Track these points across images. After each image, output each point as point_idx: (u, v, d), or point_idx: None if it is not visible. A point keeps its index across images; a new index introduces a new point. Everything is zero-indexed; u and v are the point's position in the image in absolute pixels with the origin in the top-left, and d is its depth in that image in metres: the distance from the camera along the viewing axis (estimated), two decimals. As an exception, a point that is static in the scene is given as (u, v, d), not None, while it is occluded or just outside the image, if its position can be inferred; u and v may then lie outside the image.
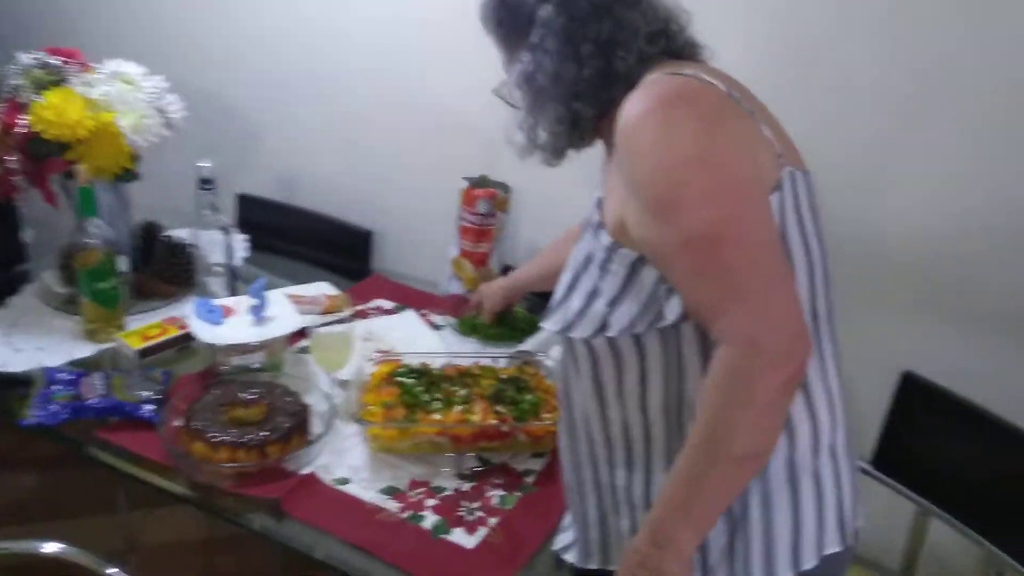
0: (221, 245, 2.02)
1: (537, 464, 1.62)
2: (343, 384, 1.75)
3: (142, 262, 2.14)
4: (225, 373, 1.78)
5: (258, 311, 1.80)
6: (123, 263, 2.01)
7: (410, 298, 2.18)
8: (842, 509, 1.18)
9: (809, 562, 1.15)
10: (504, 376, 1.71)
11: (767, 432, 1.07)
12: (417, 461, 1.60)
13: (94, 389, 1.69)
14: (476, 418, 1.59)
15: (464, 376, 1.71)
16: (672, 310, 1.12)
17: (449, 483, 1.56)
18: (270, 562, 2.38)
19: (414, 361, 1.76)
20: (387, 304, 2.16)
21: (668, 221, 1.06)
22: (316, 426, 1.65)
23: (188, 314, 1.82)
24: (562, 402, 1.32)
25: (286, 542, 1.44)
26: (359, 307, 2.12)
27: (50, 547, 1.61)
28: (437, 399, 1.63)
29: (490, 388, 1.67)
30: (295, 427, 1.59)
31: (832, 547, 1.17)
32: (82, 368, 1.80)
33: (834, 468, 1.18)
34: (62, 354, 1.85)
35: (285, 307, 1.86)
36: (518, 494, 1.55)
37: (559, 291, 1.25)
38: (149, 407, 1.66)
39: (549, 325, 1.25)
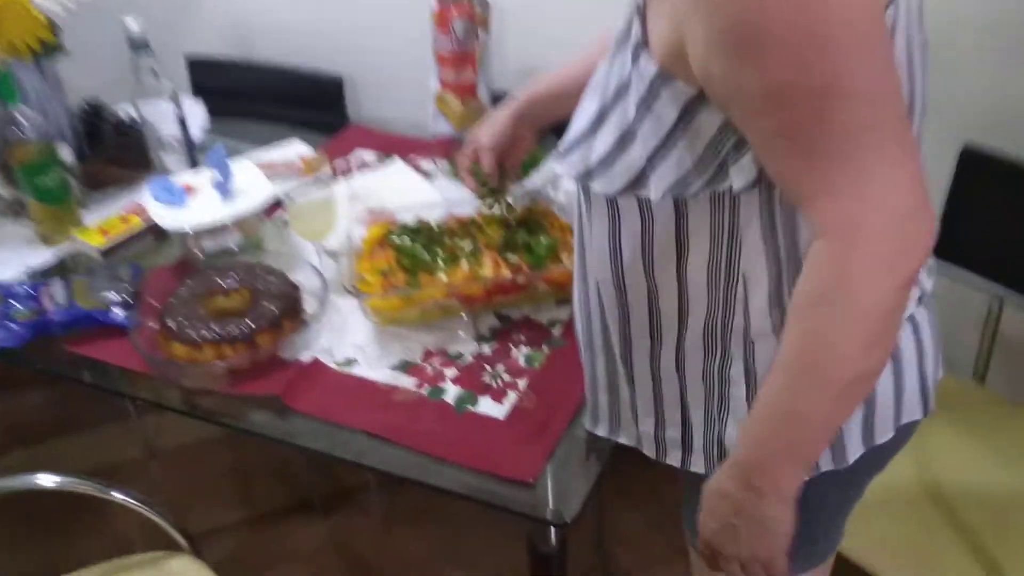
0: (171, 115, 1.77)
1: (563, 313, 1.43)
2: (333, 254, 1.54)
3: (89, 148, 1.90)
4: (200, 261, 1.58)
5: (223, 185, 1.57)
6: (66, 152, 1.77)
7: (394, 146, 1.95)
8: (923, 368, 1.01)
9: (884, 436, 1.00)
10: (512, 221, 1.50)
11: (882, 346, 0.84)
12: (428, 329, 1.42)
13: (54, 300, 1.49)
14: (487, 272, 1.39)
15: (467, 227, 1.50)
16: (741, 174, 0.87)
17: (467, 348, 1.38)
18: (295, 452, 2.25)
19: (408, 218, 1.55)
20: (369, 156, 1.92)
21: (750, 61, 0.76)
22: (310, 305, 1.46)
23: (145, 199, 1.59)
24: (576, 250, 1.11)
25: (293, 440, 1.28)
26: (339, 164, 1.89)
27: (46, 480, 1.47)
28: (440, 257, 1.43)
29: (498, 236, 1.46)
30: (285, 310, 1.40)
31: (912, 415, 1.00)
32: (44, 279, 1.60)
33: (914, 328, 1.00)
34: (16, 265, 1.65)
35: (253, 176, 1.64)
36: (546, 350, 1.37)
37: (578, 122, 1.00)
38: (119, 311, 1.47)
39: (563, 168, 1.01)
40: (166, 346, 1.38)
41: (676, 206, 0.92)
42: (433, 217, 1.55)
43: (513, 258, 1.41)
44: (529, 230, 1.47)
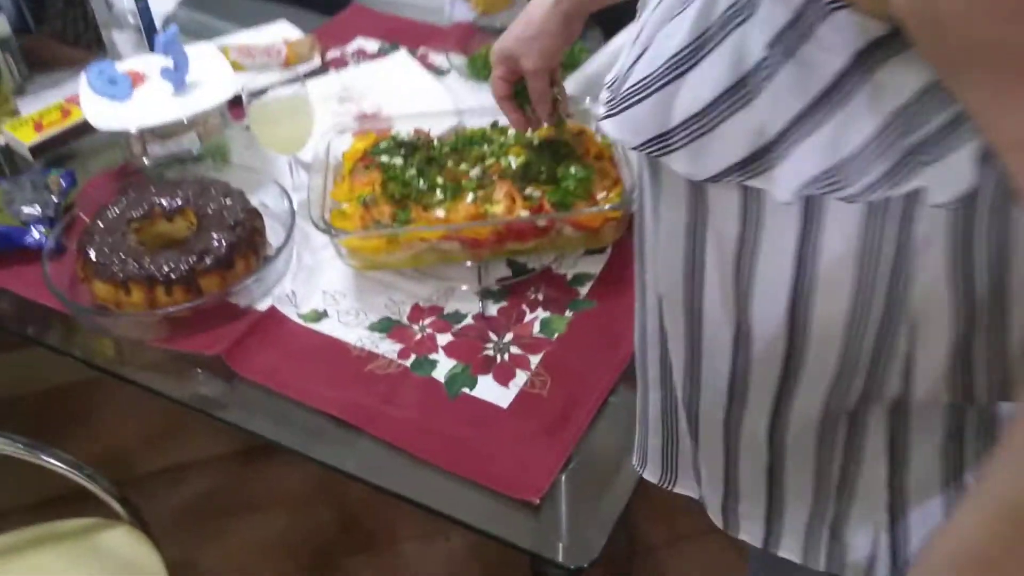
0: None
1: (594, 265, 1.12)
2: (308, 169, 1.23)
3: (34, 20, 1.57)
4: (146, 169, 1.27)
5: (176, 75, 1.25)
6: (1, 23, 1.45)
7: (402, 33, 1.59)
8: None
9: None
10: (536, 140, 1.17)
11: None
12: (421, 277, 1.11)
13: (-40, 210, 1.20)
14: (498, 209, 1.07)
15: (476, 145, 1.17)
16: (949, 178, 0.55)
17: (468, 305, 1.08)
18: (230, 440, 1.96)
19: (403, 128, 1.22)
20: (370, 45, 1.57)
21: None
22: (275, 237, 1.16)
23: (81, 88, 1.27)
24: (635, 245, 0.79)
25: (225, 416, 1.00)
26: (332, 53, 1.55)
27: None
28: (438, 186, 1.10)
29: (516, 160, 1.13)
30: (239, 244, 1.09)
31: None
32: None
33: None
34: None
35: (217, 65, 1.31)
36: (569, 314, 1.06)
37: (652, 53, 0.63)
38: (38, 228, 1.18)
39: (614, 128, 0.66)
40: (86, 282, 1.08)
41: (806, 207, 0.59)
42: (437, 130, 1.22)
43: (533, 192, 1.09)
44: (557, 155, 1.14)
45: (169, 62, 1.24)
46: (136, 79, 1.28)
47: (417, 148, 1.16)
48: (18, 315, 1.13)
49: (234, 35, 1.56)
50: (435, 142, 1.18)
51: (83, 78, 1.27)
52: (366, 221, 1.07)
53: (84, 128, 1.37)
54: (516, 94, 1.07)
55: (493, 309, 1.07)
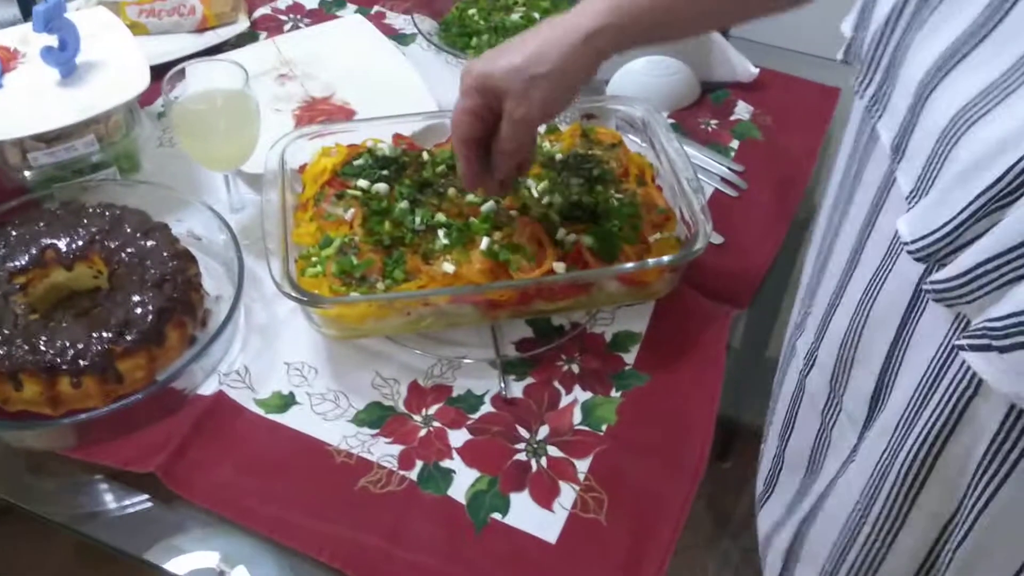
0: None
1: (636, 320, 0.88)
2: (251, 183, 0.94)
3: None
4: (27, 185, 0.95)
5: (64, 56, 0.92)
6: None
7: (346, -16, 1.28)
8: None
9: None
10: (557, 151, 0.90)
11: None
12: (416, 340, 0.85)
13: None
14: (523, 261, 0.81)
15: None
16: None
17: (483, 382, 0.82)
18: None
19: (376, 132, 0.93)
20: (311, 2, 1.26)
21: None
22: (213, 285, 0.87)
23: (-71, 72, 0.93)
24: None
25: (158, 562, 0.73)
26: (261, 10, 1.23)
27: None
28: (440, 224, 0.83)
29: (538, 187, 0.87)
30: (170, 307, 0.80)
31: None
32: None
33: None
34: None
35: (115, 37, 0.98)
36: (616, 395, 0.82)
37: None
38: None
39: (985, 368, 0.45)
40: (-45, 368, 0.78)
41: None
42: (409, 127, 0.94)
43: (567, 235, 0.83)
44: (586, 175, 0.88)
45: (52, 39, 0.91)
46: (4, 60, 0.94)
47: (403, 166, 0.88)
48: None
49: (128, -15, 1.21)
50: (425, 157, 0.90)
51: (-70, 59, 0.93)
52: (347, 279, 0.80)
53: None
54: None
55: (517, 388, 0.82)
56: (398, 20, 1.21)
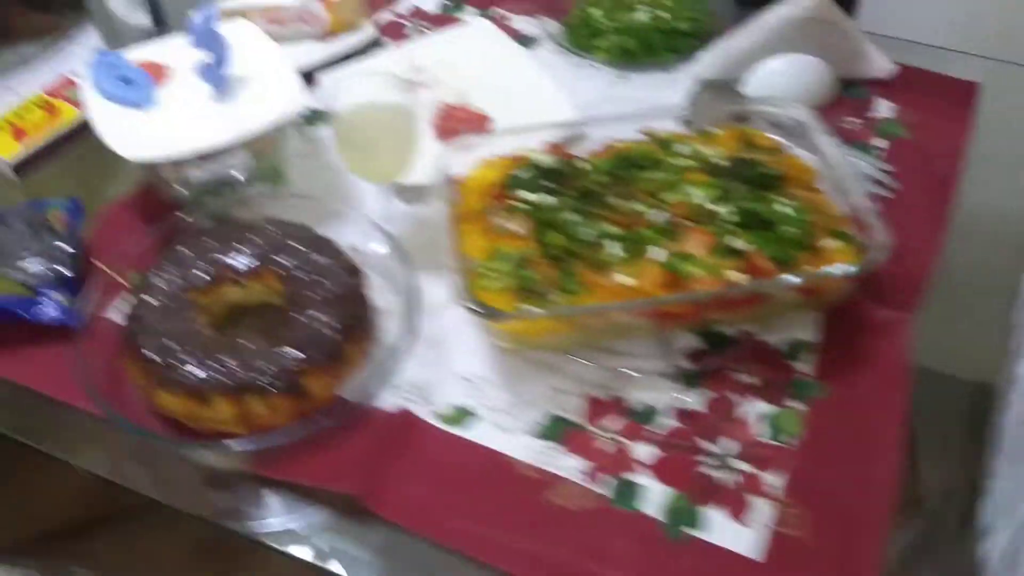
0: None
1: (805, 328, 0.87)
2: (409, 195, 0.94)
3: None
4: (180, 203, 0.95)
5: (218, 71, 0.92)
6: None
7: (463, -14, 1.27)
8: None
9: None
10: (718, 156, 0.89)
11: None
12: (585, 354, 0.84)
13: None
14: (699, 271, 0.80)
15: (642, 169, 0.89)
16: None
17: (657, 395, 0.82)
18: None
19: (535, 142, 0.93)
20: (429, 5, 1.25)
21: None
22: (380, 298, 0.87)
23: (83, 87, 0.94)
24: None
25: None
26: (383, 15, 1.22)
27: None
28: (609, 235, 0.83)
29: (703, 194, 0.86)
30: (351, 324, 0.80)
31: None
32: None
33: None
34: None
35: (261, 50, 0.98)
36: (796, 405, 0.81)
37: None
38: (51, 295, 0.86)
39: None
40: (143, 386, 0.78)
41: None
42: (547, 137, 0.94)
43: (738, 242, 0.82)
44: (752, 181, 0.87)
45: (204, 54, 0.91)
46: (155, 74, 0.95)
47: (565, 176, 0.88)
48: (34, 424, 0.83)
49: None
50: (586, 167, 0.89)
51: (85, 74, 0.93)
52: (524, 292, 0.79)
53: (79, 130, 1.04)
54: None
55: (693, 400, 0.81)
56: (520, 22, 1.20)
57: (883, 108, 1.08)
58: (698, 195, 0.85)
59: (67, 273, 0.88)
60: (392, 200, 0.94)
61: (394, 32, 1.19)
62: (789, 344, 0.85)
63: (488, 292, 0.80)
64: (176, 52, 0.97)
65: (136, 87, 0.92)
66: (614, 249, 0.81)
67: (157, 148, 0.87)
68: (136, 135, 0.89)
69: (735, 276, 0.80)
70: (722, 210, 0.84)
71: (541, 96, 1.06)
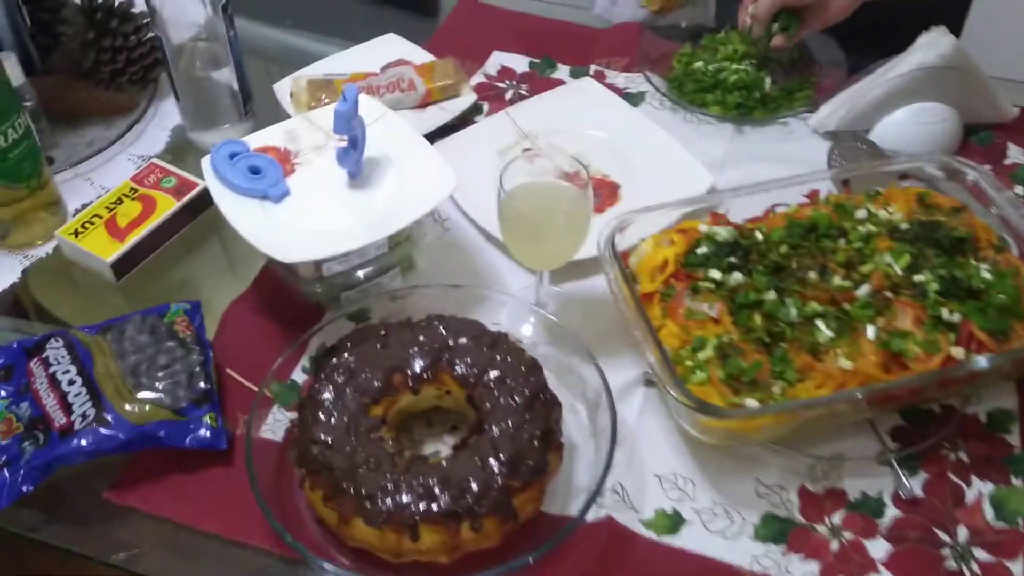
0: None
1: (1004, 394, 0.82)
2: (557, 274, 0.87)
3: (40, 52, 1.10)
4: (309, 294, 0.87)
5: (352, 153, 0.85)
6: (12, 69, 0.98)
7: (543, 40, 1.21)
8: None
9: None
10: (899, 220, 0.85)
11: None
12: (788, 442, 0.78)
13: (58, 390, 0.77)
14: (916, 348, 0.75)
15: (821, 234, 0.84)
16: None
17: (872, 481, 0.77)
18: None
19: (698, 207, 0.87)
20: (516, 61, 1.19)
21: None
22: (569, 406, 0.80)
23: (209, 179, 0.85)
24: None
25: None
26: (475, 78, 1.16)
27: None
28: (816, 314, 0.77)
29: (898, 262, 0.81)
30: (549, 426, 0.73)
31: None
32: (19, 334, 0.88)
33: None
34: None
35: (389, 125, 0.91)
36: (1017, 482, 0.76)
37: None
38: (200, 416, 0.77)
39: None
40: (330, 519, 0.70)
41: None
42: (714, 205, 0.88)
43: (951, 315, 0.77)
44: (942, 245, 0.82)
45: (341, 136, 0.84)
46: (281, 159, 0.87)
47: (744, 250, 0.82)
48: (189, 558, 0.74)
49: (330, 60, 1.14)
50: (759, 237, 0.84)
51: (208, 168, 0.85)
52: (736, 384, 0.73)
53: (177, 222, 0.95)
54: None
55: (914, 485, 0.76)
56: (619, 79, 1.15)
57: (1016, 153, 1.05)
58: (897, 264, 0.80)
59: (205, 386, 0.79)
60: (544, 281, 0.88)
61: (489, 95, 1.13)
62: (991, 414, 0.81)
63: (694, 384, 0.73)
64: (293, 133, 0.89)
65: (266, 177, 0.84)
66: (824, 329, 0.76)
67: (304, 247, 0.79)
68: (274, 232, 0.81)
69: (955, 352, 0.75)
70: (922, 279, 0.79)
71: (669, 157, 1.01)
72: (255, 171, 0.84)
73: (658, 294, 0.81)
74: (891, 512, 0.75)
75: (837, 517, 0.74)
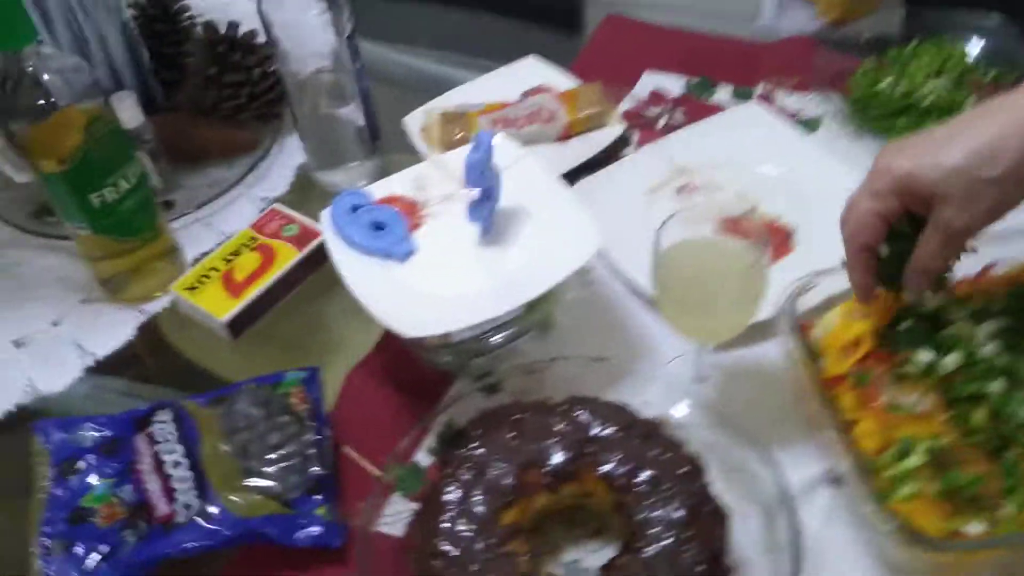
0: (321, 23, 0.89)
1: None
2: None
3: (162, 86, 1.04)
4: (437, 362, 0.77)
5: (487, 208, 0.74)
6: (129, 108, 0.92)
7: (699, 57, 1.07)
8: None
9: None
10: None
11: None
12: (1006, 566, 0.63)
13: (161, 472, 0.70)
14: None
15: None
16: None
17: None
18: None
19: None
20: (670, 84, 1.05)
21: None
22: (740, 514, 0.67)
23: (328, 236, 0.76)
24: None
25: None
26: (622, 105, 1.03)
27: None
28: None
29: None
30: (717, 545, 0.61)
31: None
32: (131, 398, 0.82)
33: None
34: (67, 363, 0.85)
35: (535, 176, 0.79)
36: None
37: None
38: (312, 508, 0.69)
39: None
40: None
41: None
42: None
43: None
44: None
45: (472, 188, 0.73)
46: (407, 212, 0.77)
47: (940, 319, 0.67)
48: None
49: (464, 88, 1.04)
50: (974, 306, 0.68)
51: (326, 223, 0.76)
52: (954, 502, 0.59)
53: (296, 275, 0.87)
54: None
55: None
56: (790, 101, 1.00)
57: None
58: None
59: (320, 471, 0.70)
60: (705, 353, 0.75)
61: (639, 123, 1.00)
62: None
63: (903, 502, 0.59)
64: (427, 181, 0.80)
65: (391, 234, 0.74)
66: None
67: (430, 318, 0.69)
68: (397, 298, 0.71)
69: None
70: None
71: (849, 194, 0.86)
72: (379, 227, 0.75)
73: (850, 378, 0.66)
74: None
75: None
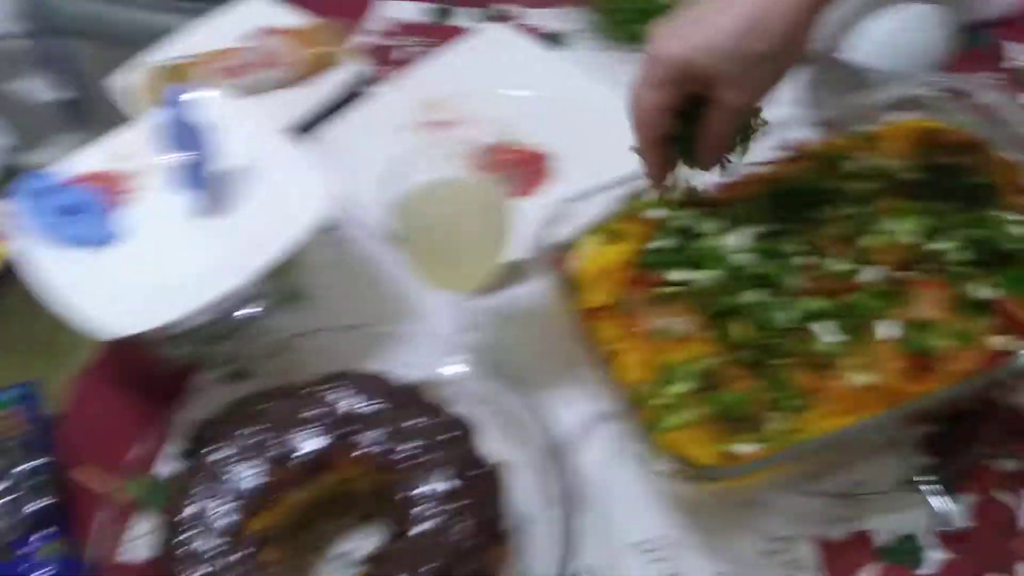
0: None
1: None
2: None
3: None
4: (172, 356, 0.68)
5: (199, 173, 0.65)
6: None
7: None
8: None
9: None
10: (897, 169, 0.67)
11: None
12: (796, 484, 0.62)
13: None
14: (947, 343, 0.58)
15: (805, 201, 0.66)
16: None
17: (902, 517, 0.61)
18: None
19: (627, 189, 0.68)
20: (407, 9, 0.97)
21: None
22: (493, 451, 0.62)
23: (9, 230, 0.65)
24: None
25: None
26: (367, 44, 0.95)
27: None
28: (815, 312, 0.60)
29: (913, 227, 0.63)
30: (493, 514, 0.56)
31: None
32: None
33: None
34: None
35: (257, 130, 0.70)
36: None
37: None
38: (39, 546, 0.59)
39: None
40: None
41: None
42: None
43: (986, 291, 0.60)
44: (957, 196, 0.65)
45: (178, 152, 0.64)
46: (109, 189, 0.67)
47: (692, 232, 0.64)
48: None
49: (177, 39, 0.92)
50: (728, 213, 0.66)
51: (5, 216, 0.65)
52: (725, 422, 0.56)
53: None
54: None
55: (955, 512, 0.60)
56: (534, 18, 0.95)
57: (1018, 53, 0.87)
58: (906, 231, 0.62)
59: (49, 501, 0.61)
60: (467, 302, 0.69)
61: (377, 59, 0.92)
62: (1039, 404, 0.64)
63: (671, 432, 0.56)
64: (130, 151, 0.69)
65: (86, 218, 0.64)
66: (828, 333, 0.58)
67: (143, 311, 0.60)
68: (100, 293, 0.62)
69: (998, 342, 0.58)
70: (944, 246, 0.62)
71: (607, 113, 0.81)
72: (70, 212, 0.64)
73: (610, 307, 0.62)
74: (935, 555, 0.59)
75: (869, 571, 0.58)
